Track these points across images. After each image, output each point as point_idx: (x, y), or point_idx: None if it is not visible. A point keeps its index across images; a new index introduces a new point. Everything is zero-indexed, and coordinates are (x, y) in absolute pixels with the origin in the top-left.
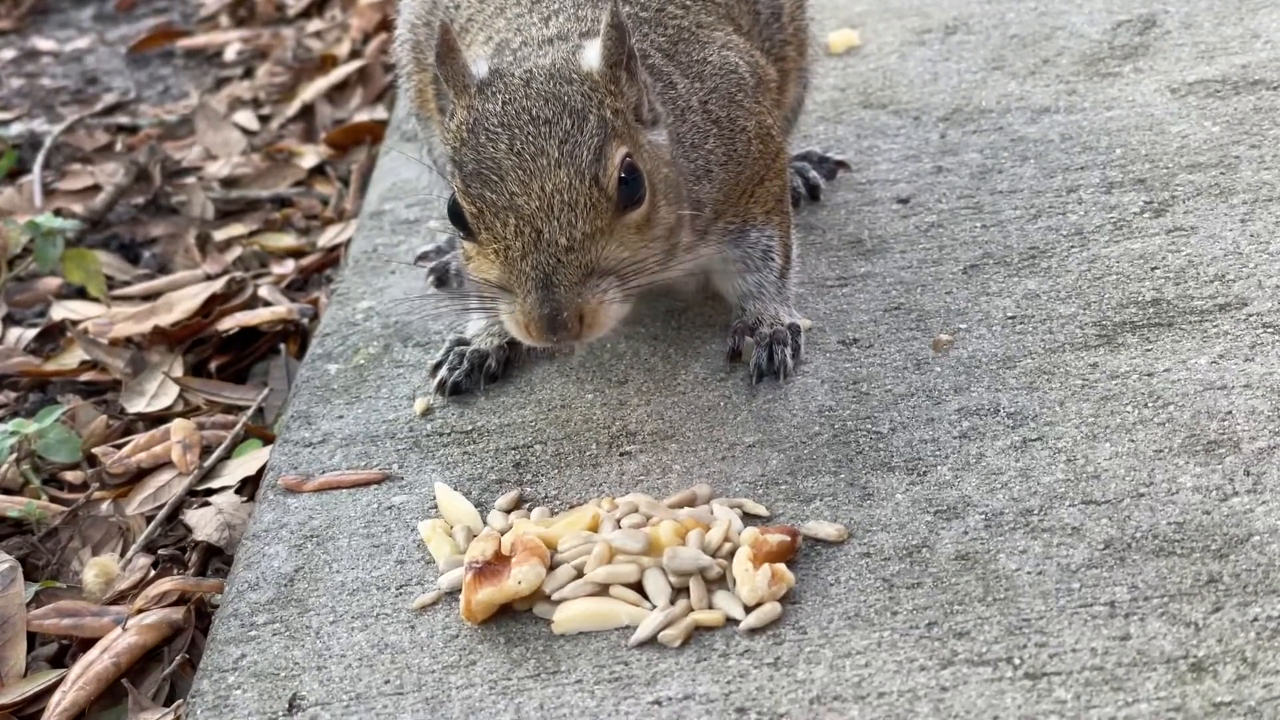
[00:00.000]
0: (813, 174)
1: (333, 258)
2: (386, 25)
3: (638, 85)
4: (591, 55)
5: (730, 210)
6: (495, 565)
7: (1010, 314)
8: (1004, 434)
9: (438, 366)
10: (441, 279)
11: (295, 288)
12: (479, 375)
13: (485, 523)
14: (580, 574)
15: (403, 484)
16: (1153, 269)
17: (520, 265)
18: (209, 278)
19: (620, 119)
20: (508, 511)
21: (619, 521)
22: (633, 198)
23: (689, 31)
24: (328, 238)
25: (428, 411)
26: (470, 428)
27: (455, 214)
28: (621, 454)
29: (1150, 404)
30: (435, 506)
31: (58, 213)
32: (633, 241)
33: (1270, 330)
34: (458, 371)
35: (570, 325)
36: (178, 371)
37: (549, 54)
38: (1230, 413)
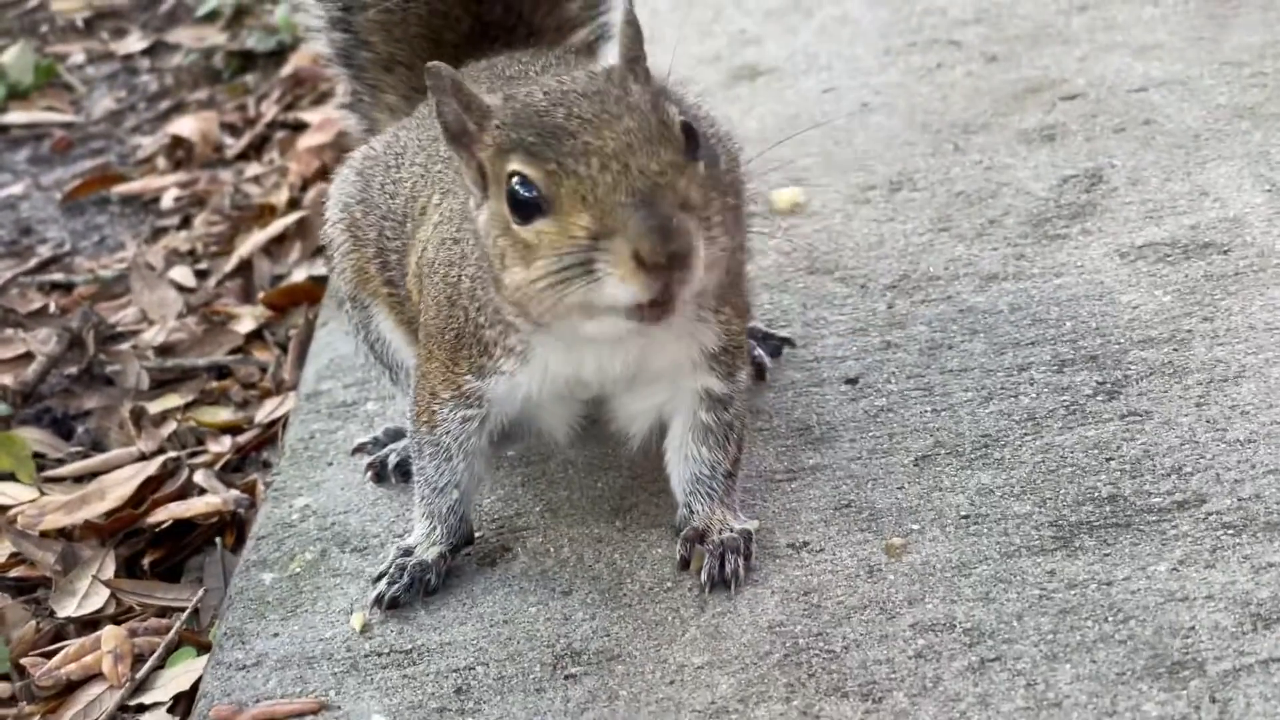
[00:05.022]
0: (758, 352)
1: (270, 434)
2: (325, 173)
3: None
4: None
5: (726, 304)
6: None
7: (964, 513)
8: (961, 653)
9: (379, 578)
10: (379, 474)
11: (232, 468)
12: (419, 588)
13: None
14: None
15: (340, 714)
16: (1108, 460)
17: (615, 195)
18: (143, 456)
19: (661, 92)
20: None
21: None
22: (695, 150)
23: None
24: (265, 412)
25: (366, 628)
26: (410, 646)
27: (517, 200)
28: (566, 677)
29: (1110, 618)
30: None
31: None
32: (708, 192)
33: (1230, 531)
34: (397, 586)
35: (684, 232)
36: (110, 568)
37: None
38: (1193, 628)
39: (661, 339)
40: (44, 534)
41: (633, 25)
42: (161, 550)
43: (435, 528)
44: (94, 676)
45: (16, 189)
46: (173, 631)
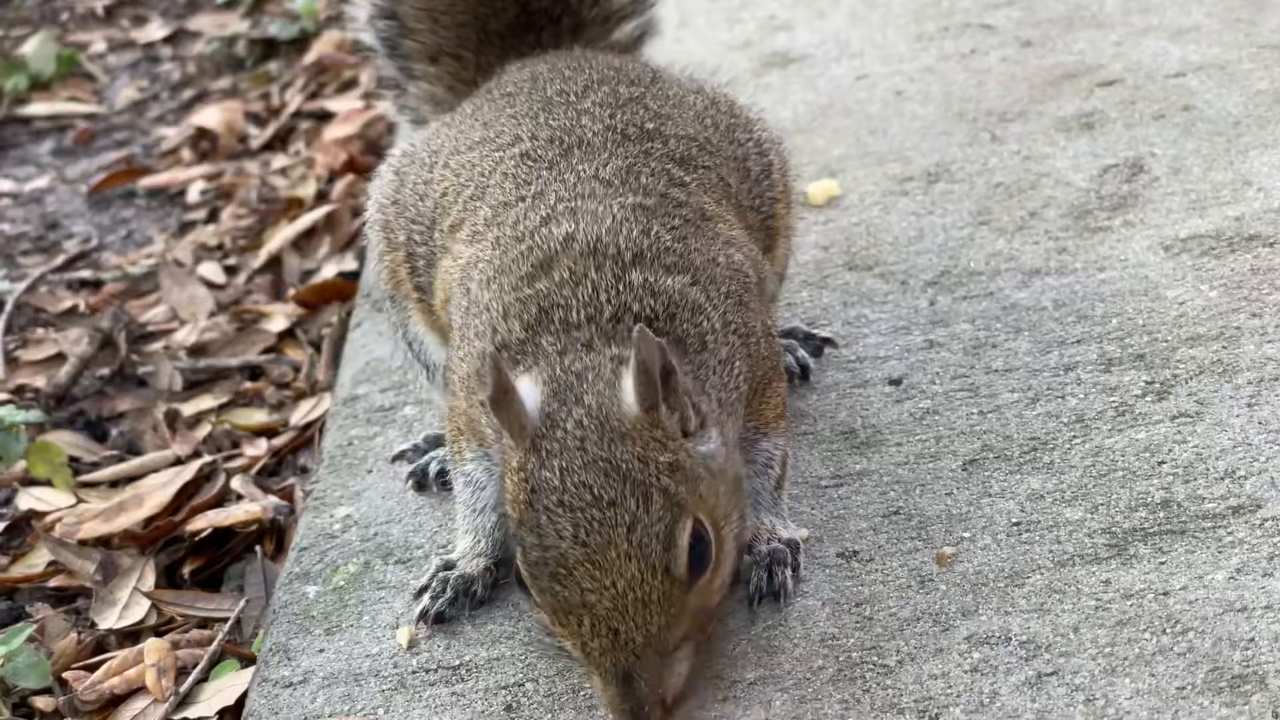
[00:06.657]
0: (801, 353)
1: (306, 438)
2: (353, 165)
3: (680, 406)
4: (630, 393)
5: (748, 415)
6: None
7: (1015, 519)
8: (1017, 667)
9: (421, 591)
10: (421, 483)
11: (268, 473)
12: (464, 601)
13: None
14: None
15: None
16: (1160, 463)
17: (599, 661)
18: (179, 460)
19: (679, 476)
20: None
21: None
22: (702, 566)
23: (694, 225)
24: (300, 414)
25: (413, 643)
26: (458, 662)
27: (524, 584)
28: None
29: (1169, 630)
30: None
31: (20, 391)
32: (703, 602)
33: None
34: (441, 600)
35: (655, 715)
36: (150, 577)
37: (592, 380)
38: (1253, 639)
39: None
40: (82, 542)
41: (643, 366)
42: (201, 558)
43: (479, 541)
44: (138, 690)
45: (41, 182)
46: (215, 643)
